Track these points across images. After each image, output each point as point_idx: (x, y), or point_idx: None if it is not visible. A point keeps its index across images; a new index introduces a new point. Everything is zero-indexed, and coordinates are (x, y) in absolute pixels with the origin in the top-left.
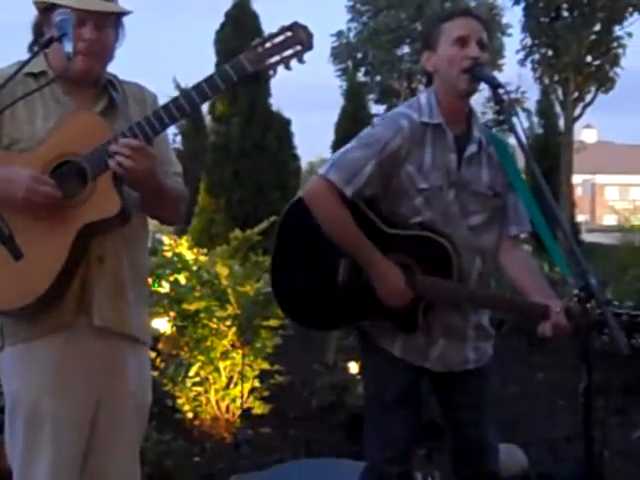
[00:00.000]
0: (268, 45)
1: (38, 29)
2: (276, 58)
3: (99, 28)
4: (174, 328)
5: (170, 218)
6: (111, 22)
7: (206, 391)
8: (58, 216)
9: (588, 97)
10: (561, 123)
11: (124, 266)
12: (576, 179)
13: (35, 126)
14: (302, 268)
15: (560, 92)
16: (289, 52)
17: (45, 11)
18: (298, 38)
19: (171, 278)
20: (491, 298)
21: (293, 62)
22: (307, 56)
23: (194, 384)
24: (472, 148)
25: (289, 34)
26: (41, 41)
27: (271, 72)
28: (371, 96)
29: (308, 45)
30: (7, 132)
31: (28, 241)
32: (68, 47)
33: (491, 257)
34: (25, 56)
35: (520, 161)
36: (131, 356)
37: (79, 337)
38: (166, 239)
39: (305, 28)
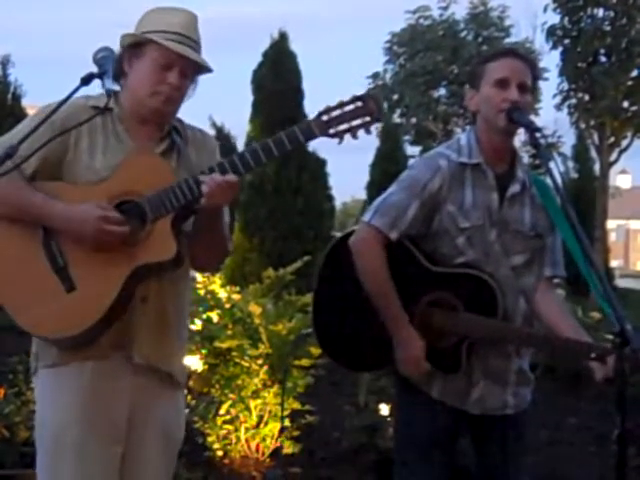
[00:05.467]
0: (338, 112)
1: (118, 65)
2: (345, 126)
3: (183, 75)
4: (205, 366)
5: (211, 261)
6: (192, 74)
7: (236, 430)
8: (114, 254)
9: (624, 142)
10: (596, 168)
11: (168, 307)
12: (610, 224)
13: (93, 157)
14: (344, 308)
15: (596, 137)
16: (358, 122)
17: (129, 48)
18: (368, 109)
19: (203, 316)
20: (540, 336)
21: (360, 132)
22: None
23: (224, 422)
24: (515, 187)
25: (359, 104)
26: (82, 77)
27: (338, 139)
28: (406, 137)
29: (377, 117)
30: (70, 157)
31: (82, 274)
32: (108, 84)
33: (533, 298)
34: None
35: None
36: (164, 395)
37: (110, 370)
38: (199, 276)
39: (376, 100)
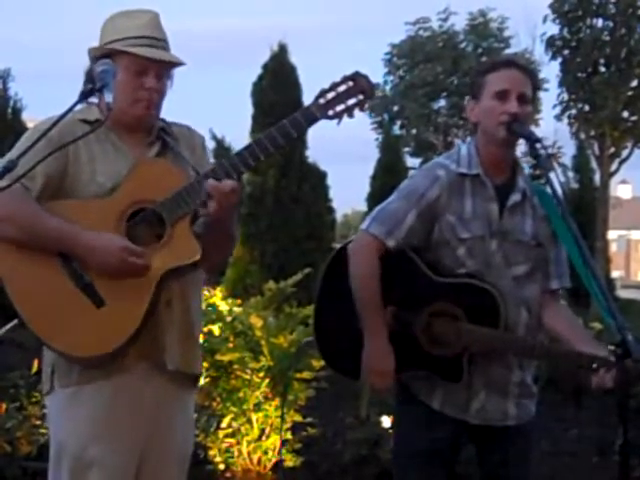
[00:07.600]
0: (333, 94)
1: (92, 79)
2: (342, 107)
3: (159, 77)
4: (207, 379)
5: (219, 262)
6: (167, 72)
7: (238, 443)
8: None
9: (624, 152)
10: (597, 178)
11: (190, 308)
12: (611, 235)
13: (94, 169)
14: (346, 318)
15: (596, 147)
16: (353, 101)
17: (100, 59)
18: (360, 87)
19: (205, 329)
20: (542, 347)
21: (355, 110)
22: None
23: (226, 435)
24: (515, 197)
25: (351, 84)
26: (82, 91)
27: (336, 120)
28: (407, 149)
29: (370, 94)
30: (71, 171)
31: (109, 288)
32: (108, 97)
33: (537, 309)
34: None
35: None
36: (180, 405)
37: (134, 382)
38: None
39: (366, 77)
